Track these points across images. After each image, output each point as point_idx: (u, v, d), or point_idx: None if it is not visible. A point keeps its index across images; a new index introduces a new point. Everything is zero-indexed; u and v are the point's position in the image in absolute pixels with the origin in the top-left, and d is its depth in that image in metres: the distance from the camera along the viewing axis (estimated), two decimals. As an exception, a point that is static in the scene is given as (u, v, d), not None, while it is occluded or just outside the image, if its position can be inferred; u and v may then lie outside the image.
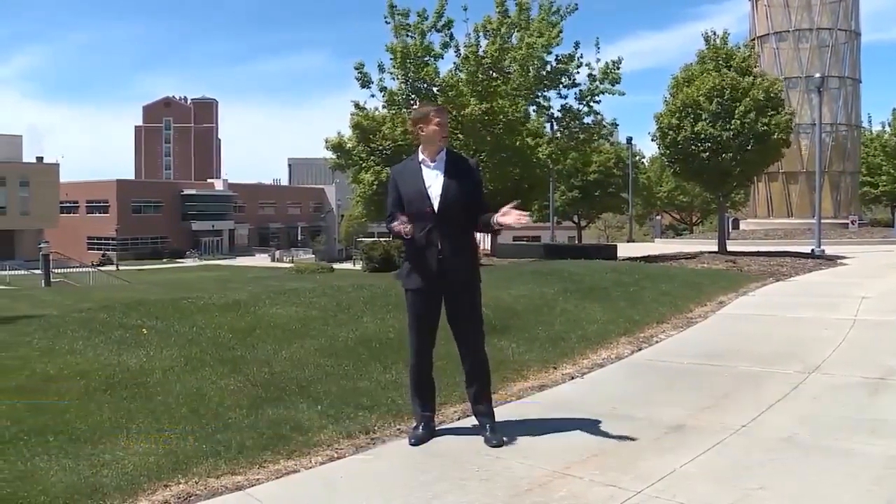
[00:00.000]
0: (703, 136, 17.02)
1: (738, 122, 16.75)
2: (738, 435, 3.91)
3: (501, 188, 19.37)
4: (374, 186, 20.92)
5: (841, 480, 3.25)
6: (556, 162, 20.65)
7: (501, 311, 7.09)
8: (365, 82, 19.26)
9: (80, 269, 39.53)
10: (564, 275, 9.95)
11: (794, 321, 7.85)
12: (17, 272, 40.20)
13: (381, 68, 19.00)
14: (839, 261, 16.47)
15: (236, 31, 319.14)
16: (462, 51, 19.20)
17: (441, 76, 18.90)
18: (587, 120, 20.48)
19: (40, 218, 60.50)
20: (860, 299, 9.06)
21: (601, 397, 4.79)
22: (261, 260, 62.04)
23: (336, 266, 33.91)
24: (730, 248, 19.35)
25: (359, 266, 28.73)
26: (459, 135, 18.08)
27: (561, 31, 19.29)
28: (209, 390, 4.48)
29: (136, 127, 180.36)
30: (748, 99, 16.86)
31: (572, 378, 5.34)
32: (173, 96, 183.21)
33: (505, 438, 3.82)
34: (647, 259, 17.60)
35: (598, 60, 19.55)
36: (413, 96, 18.92)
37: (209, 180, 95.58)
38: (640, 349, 6.36)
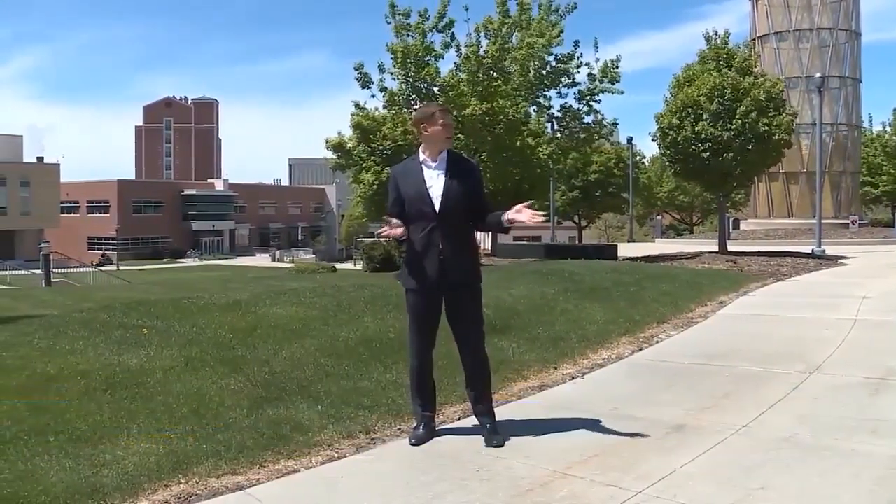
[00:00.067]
0: (703, 136, 16.99)
1: (739, 122, 16.73)
2: (739, 435, 3.90)
3: (502, 188, 19.38)
4: (375, 186, 20.88)
5: (842, 480, 3.25)
6: (556, 162, 20.64)
7: (502, 311, 7.09)
8: (365, 83, 19.28)
9: (81, 269, 39.62)
10: (565, 275, 9.95)
11: (795, 321, 7.85)
12: (17, 272, 40.25)
13: (382, 68, 19.02)
14: (840, 261, 16.46)
15: (237, 31, 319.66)
16: (463, 51, 19.21)
17: (442, 76, 18.90)
18: (587, 119, 20.50)
19: (41, 218, 60.58)
20: (861, 299, 9.06)
21: (602, 397, 4.78)
22: (261, 260, 62.13)
23: (337, 266, 33.92)
24: (730, 248, 19.33)
25: (359, 266, 28.74)
26: (460, 135, 18.07)
27: (562, 31, 19.31)
28: (210, 390, 4.48)
29: (136, 127, 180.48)
30: (749, 99, 16.83)
31: (573, 378, 5.33)
32: (174, 96, 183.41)
33: (506, 438, 3.82)
34: (648, 259, 17.60)
35: (598, 60, 19.58)
36: (413, 96, 18.93)
37: (210, 180, 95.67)
38: (640, 349, 6.36)
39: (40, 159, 68.72)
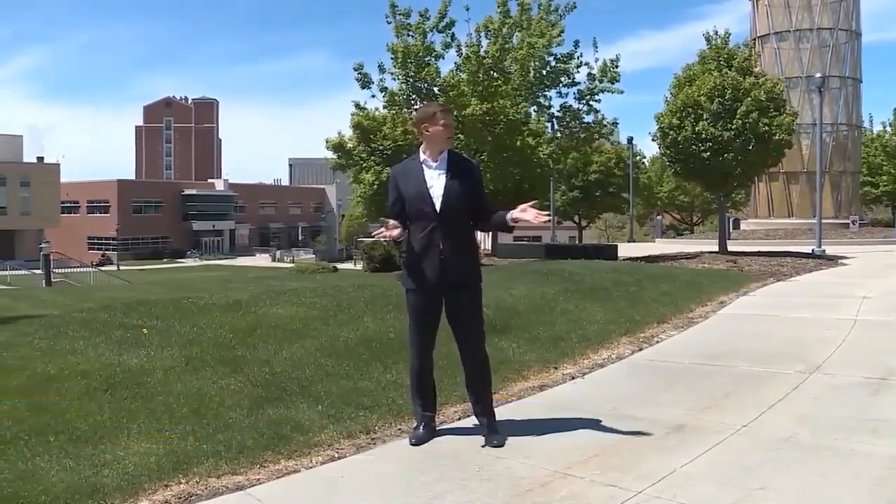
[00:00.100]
0: (703, 136, 16.99)
1: (740, 122, 16.73)
2: (739, 435, 3.91)
3: (502, 188, 19.38)
4: (375, 186, 20.88)
5: (842, 480, 3.25)
6: (556, 162, 20.65)
7: (502, 311, 7.09)
8: (365, 83, 19.27)
9: (81, 269, 39.64)
10: (565, 275, 9.95)
11: (795, 321, 7.85)
12: (17, 272, 40.26)
13: (382, 68, 19.01)
14: (840, 261, 16.46)
15: (237, 31, 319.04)
16: (463, 51, 19.21)
17: (442, 76, 18.90)
18: (587, 119, 20.50)
19: (41, 218, 60.59)
20: (861, 299, 9.06)
21: (602, 397, 4.78)
22: (261, 260, 62.17)
23: (338, 266, 33.93)
24: (730, 248, 19.33)
25: (359, 266, 28.75)
26: (460, 135, 18.07)
27: (562, 31, 19.31)
28: (210, 390, 4.48)
29: (136, 127, 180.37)
30: (749, 99, 16.83)
31: (573, 378, 5.34)
32: (174, 96, 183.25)
33: (506, 438, 3.82)
34: (648, 259, 17.60)
35: (598, 60, 19.58)
36: (414, 96, 18.93)
37: (210, 180, 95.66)
38: (640, 349, 6.36)
39: (40, 159, 68.73)
